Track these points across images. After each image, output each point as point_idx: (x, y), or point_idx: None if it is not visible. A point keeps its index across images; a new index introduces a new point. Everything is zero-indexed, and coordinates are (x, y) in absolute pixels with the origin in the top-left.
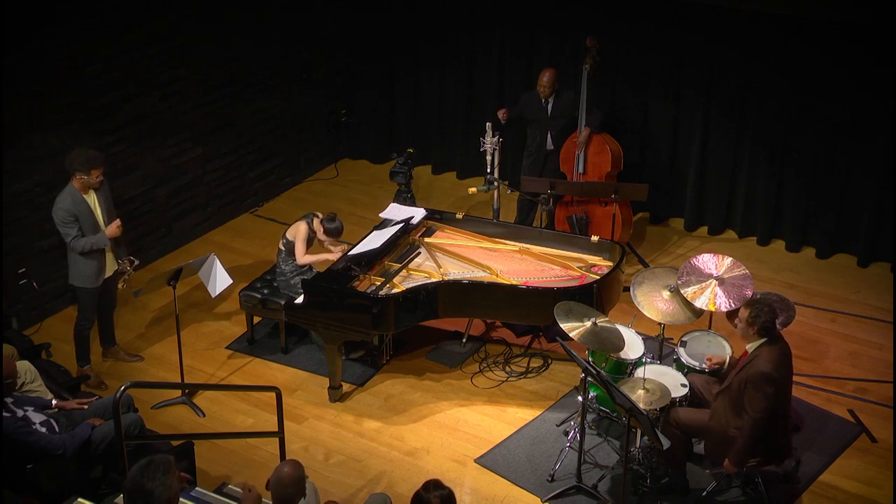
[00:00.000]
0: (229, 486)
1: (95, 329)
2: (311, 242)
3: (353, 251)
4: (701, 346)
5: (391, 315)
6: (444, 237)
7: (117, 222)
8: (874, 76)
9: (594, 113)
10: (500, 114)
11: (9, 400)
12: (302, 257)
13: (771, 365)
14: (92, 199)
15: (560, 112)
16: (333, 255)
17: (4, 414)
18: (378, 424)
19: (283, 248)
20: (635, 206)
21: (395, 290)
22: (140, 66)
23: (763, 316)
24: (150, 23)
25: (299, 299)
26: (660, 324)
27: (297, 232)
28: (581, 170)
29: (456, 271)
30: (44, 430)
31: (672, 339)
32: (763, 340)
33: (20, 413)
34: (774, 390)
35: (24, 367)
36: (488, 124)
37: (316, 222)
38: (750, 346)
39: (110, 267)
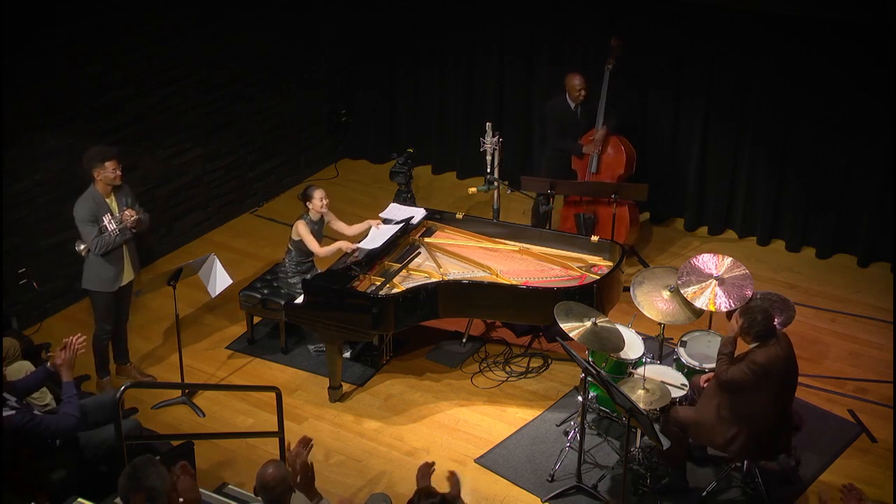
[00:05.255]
0: (229, 486)
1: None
2: (320, 230)
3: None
4: (701, 346)
5: (391, 315)
6: (444, 237)
7: (131, 211)
8: (874, 76)
9: (612, 113)
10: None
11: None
12: (319, 250)
13: (764, 356)
14: (113, 204)
15: (585, 115)
16: (345, 244)
17: (13, 412)
18: (378, 424)
19: (290, 248)
20: None
21: (395, 290)
22: (140, 66)
23: (757, 326)
24: (150, 23)
25: (299, 299)
26: (660, 324)
27: (298, 231)
28: (594, 169)
29: (456, 271)
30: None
31: (672, 339)
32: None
33: (15, 403)
34: (756, 377)
35: (25, 367)
36: (488, 124)
37: (308, 208)
38: (751, 346)
39: (127, 275)
